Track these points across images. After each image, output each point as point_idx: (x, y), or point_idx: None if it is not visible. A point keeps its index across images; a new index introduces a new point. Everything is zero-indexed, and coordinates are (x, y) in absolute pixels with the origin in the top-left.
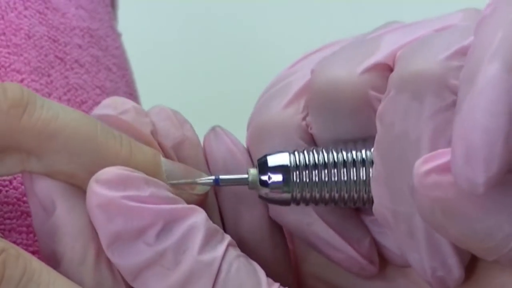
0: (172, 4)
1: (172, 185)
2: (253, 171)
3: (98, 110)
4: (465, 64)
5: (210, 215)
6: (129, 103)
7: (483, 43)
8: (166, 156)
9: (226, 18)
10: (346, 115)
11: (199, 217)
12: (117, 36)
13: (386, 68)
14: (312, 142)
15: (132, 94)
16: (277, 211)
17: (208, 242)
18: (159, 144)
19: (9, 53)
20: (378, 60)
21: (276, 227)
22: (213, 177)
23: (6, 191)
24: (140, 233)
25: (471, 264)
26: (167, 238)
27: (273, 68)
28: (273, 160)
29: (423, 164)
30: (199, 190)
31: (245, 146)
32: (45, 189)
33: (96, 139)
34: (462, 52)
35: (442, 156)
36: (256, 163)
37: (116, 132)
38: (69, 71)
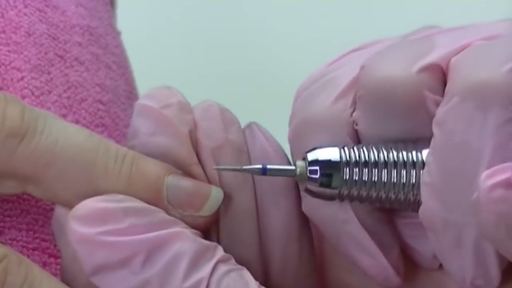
0: (172, 3)
1: (218, 170)
2: (301, 163)
3: (142, 100)
4: None
5: (246, 225)
6: (175, 97)
7: None
8: (202, 159)
9: (227, 17)
10: (399, 114)
11: (184, 241)
12: (116, 34)
13: (440, 70)
14: (358, 141)
15: (132, 92)
16: (312, 204)
17: (195, 264)
18: (200, 143)
19: (9, 51)
20: (434, 60)
21: (304, 227)
22: (260, 166)
23: None
24: (124, 264)
25: (504, 274)
26: (152, 266)
27: (273, 68)
28: (323, 154)
29: (489, 178)
30: (205, 211)
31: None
32: (57, 213)
33: (94, 168)
34: None
35: (509, 170)
36: (305, 155)
37: (121, 152)
38: (69, 69)
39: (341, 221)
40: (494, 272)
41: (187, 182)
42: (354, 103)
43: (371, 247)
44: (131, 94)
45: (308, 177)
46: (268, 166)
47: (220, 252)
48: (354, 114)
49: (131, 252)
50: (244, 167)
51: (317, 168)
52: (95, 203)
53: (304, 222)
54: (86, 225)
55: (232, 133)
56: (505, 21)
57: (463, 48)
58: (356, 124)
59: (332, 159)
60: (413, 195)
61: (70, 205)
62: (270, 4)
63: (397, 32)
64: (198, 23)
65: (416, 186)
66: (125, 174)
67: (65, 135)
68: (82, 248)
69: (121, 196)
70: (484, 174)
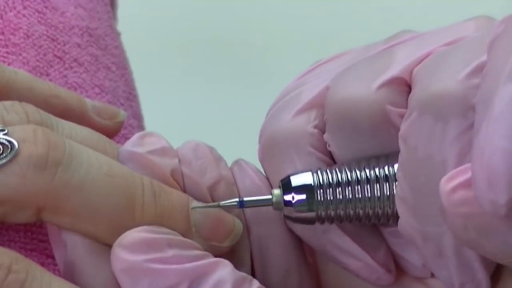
0: (172, 4)
1: (195, 209)
2: (277, 191)
3: (129, 147)
4: (480, 85)
5: (241, 258)
6: (159, 143)
7: (497, 64)
8: (200, 196)
9: (227, 18)
10: (365, 132)
11: (224, 270)
12: (116, 35)
13: (402, 83)
14: (325, 151)
15: (131, 93)
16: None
17: None
18: (195, 182)
19: (7, 52)
20: (394, 74)
21: (302, 256)
22: (237, 199)
23: None
24: None
25: (495, 274)
26: None
27: (273, 68)
28: (297, 180)
29: (449, 181)
30: (228, 242)
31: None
32: (70, 243)
33: (126, 201)
34: (481, 69)
35: (467, 172)
36: (279, 183)
37: (146, 182)
38: (68, 70)
39: (322, 231)
40: (481, 275)
41: (212, 211)
42: (318, 117)
43: (355, 249)
44: (131, 95)
45: (284, 203)
46: (245, 199)
47: (256, 284)
48: (324, 136)
49: (176, 280)
50: (221, 203)
51: (292, 194)
52: (140, 233)
53: (301, 250)
54: (132, 253)
55: (223, 169)
56: (476, 20)
57: (425, 57)
58: (329, 146)
59: (305, 183)
60: (389, 207)
61: (96, 237)
62: (271, 5)
63: (394, 30)
64: (198, 24)
65: (392, 198)
66: (157, 205)
67: (95, 169)
68: (126, 276)
69: (164, 229)
70: (444, 178)
